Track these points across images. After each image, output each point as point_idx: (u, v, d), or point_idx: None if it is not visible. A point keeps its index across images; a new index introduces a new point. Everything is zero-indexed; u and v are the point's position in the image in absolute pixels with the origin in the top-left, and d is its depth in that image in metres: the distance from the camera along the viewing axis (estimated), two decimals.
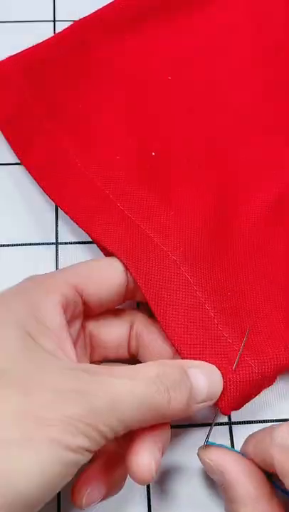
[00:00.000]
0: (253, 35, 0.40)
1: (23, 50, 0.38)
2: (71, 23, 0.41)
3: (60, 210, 0.36)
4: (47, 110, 0.37)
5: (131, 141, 0.36)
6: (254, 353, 0.28)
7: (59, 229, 0.36)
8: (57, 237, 0.35)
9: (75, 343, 0.27)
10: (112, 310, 0.30)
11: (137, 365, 0.25)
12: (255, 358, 0.28)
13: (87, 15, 0.40)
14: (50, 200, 0.36)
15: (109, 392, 0.22)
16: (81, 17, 0.41)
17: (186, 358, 0.27)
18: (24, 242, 0.35)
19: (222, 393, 0.27)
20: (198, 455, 0.27)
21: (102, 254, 0.33)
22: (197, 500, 0.29)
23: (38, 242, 0.35)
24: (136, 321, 0.29)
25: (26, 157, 0.35)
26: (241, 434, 0.31)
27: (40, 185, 0.34)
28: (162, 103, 0.38)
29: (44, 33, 0.42)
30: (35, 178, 0.35)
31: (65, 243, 0.35)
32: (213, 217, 0.33)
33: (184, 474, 0.30)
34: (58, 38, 0.39)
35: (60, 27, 0.42)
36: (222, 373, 0.27)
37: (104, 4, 0.41)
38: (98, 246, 0.33)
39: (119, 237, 0.30)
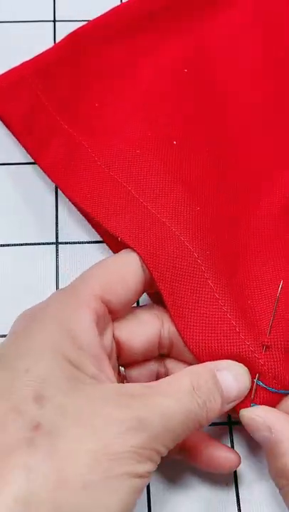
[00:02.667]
0: (264, 35, 0.40)
1: (35, 56, 0.38)
2: (71, 23, 0.41)
3: (60, 210, 0.36)
4: (63, 110, 0.36)
5: (151, 132, 0.34)
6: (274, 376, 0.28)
7: (59, 229, 0.35)
8: (57, 237, 0.35)
9: (109, 355, 0.27)
10: (137, 313, 0.29)
11: (170, 379, 0.26)
12: (275, 380, 0.28)
13: (95, 17, 0.40)
14: (50, 200, 0.36)
15: (162, 416, 0.23)
16: (81, 17, 0.41)
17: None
18: (24, 242, 0.35)
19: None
20: (241, 416, 0.27)
21: (104, 252, 0.33)
22: (197, 497, 0.29)
23: (38, 241, 0.35)
24: (165, 321, 0.29)
25: (42, 157, 0.34)
26: (241, 434, 0.31)
27: (58, 186, 0.34)
28: (180, 94, 0.37)
29: (44, 33, 0.42)
30: (52, 179, 0.34)
31: (65, 243, 0.35)
32: (237, 215, 0.33)
33: (186, 476, 0.30)
34: (66, 40, 0.38)
35: (60, 27, 0.42)
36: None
37: (104, 4, 0.41)
38: (108, 244, 0.34)
39: (144, 238, 0.29)
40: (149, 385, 0.25)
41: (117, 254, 0.30)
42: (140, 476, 0.22)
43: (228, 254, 0.31)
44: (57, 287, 0.34)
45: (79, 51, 0.38)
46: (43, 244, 0.35)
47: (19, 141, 0.36)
